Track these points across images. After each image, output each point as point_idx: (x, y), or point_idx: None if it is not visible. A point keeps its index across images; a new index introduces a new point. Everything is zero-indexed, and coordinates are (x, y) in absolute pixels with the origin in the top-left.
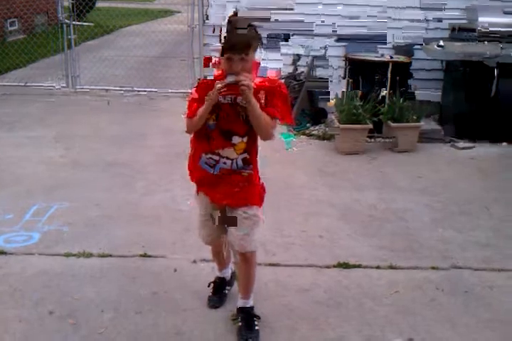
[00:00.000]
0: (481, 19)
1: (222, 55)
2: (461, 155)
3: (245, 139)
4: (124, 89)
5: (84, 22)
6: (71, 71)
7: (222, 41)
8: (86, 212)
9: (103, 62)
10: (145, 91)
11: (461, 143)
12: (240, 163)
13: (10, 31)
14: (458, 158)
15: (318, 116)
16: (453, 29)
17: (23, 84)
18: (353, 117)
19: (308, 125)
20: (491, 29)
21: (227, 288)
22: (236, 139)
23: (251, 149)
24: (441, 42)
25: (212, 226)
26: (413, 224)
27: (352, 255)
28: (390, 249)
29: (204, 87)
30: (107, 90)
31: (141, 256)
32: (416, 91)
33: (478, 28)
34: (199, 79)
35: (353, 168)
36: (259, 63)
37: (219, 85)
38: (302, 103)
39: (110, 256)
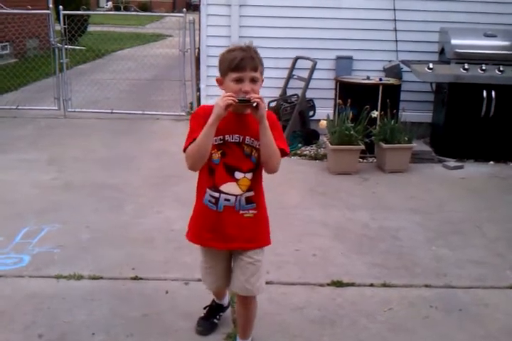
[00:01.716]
0: (453, 41)
1: (223, 75)
2: (452, 175)
3: (249, 176)
4: (115, 111)
5: (77, 46)
6: (63, 94)
7: (224, 61)
8: (77, 234)
9: (95, 86)
10: (136, 113)
11: (452, 163)
12: (242, 201)
13: (2, 55)
14: (449, 178)
15: (310, 137)
16: (441, 51)
17: (14, 107)
18: (345, 138)
19: (299, 145)
20: (467, 51)
21: (221, 314)
22: (238, 175)
23: (256, 187)
24: (431, 65)
25: (217, 274)
26: (406, 243)
27: (345, 273)
28: (383, 267)
29: (202, 114)
30: (98, 113)
31: (132, 278)
32: (403, 113)
33: (456, 50)
34: (191, 103)
35: (346, 188)
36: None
37: (228, 101)
38: (294, 124)
39: (101, 278)
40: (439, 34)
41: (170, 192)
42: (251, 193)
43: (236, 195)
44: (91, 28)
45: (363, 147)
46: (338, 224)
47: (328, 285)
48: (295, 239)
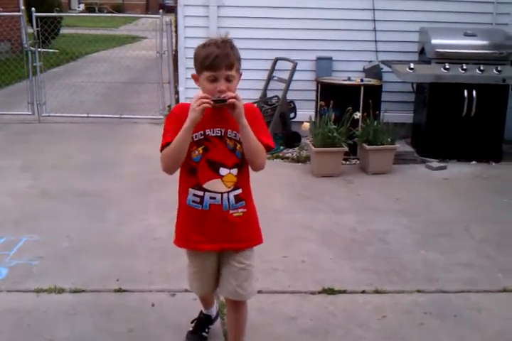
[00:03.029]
0: (434, 41)
1: (197, 72)
2: (435, 176)
3: (234, 172)
4: (91, 116)
5: (50, 49)
6: (37, 98)
7: (198, 57)
8: (56, 245)
9: (70, 89)
10: (113, 117)
11: (435, 163)
12: (232, 199)
13: None
14: (433, 179)
15: (291, 139)
16: (421, 51)
17: None
18: (327, 140)
19: (281, 148)
20: (448, 51)
21: (210, 327)
22: (223, 171)
23: (244, 184)
24: (412, 65)
25: (204, 279)
26: (395, 246)
27: (336, 280)
28: (373, 272)
29: (178, 113)
30: (73, 117)
31: (115, 291)
32: (385, 114)
33: (436, 50)
34: (169, 106)
35: (330, 191)
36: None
37: (204, 105)
38: (275, 127)
39: (83, 291)
40: (418, 34)
41: (152, 197)
42: (239, 191)
43: (222, 193)
44: (64, 31)
45: (346, 149)
46: (325, 228)
47: (320, 293)
48: (282, 245)
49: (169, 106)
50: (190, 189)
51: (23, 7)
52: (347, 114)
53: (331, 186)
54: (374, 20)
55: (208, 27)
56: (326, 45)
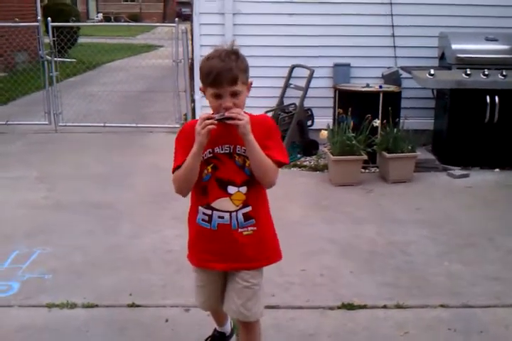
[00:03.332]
0: (454, 46)
1: (203, 86)
2: (457, 184)
3: (243, 190)
4: (107, 125)
5: (67, 58)
6: (53, 108)
7: (201, 71)
8: (70, 258)
9: (86, 99)
10: (129, 127)
11: (457, 171)
12: (240, 218)
13: None
14: (455, 187)
15: (309, 147)
16: (441, 56)
17: (3, 122)
18: (346, 148)
19: (299, 156)
20: (469, 56)
21: None
22: (231, 189)
23: (255, 201)
24: (432, 71)
25: (209, 293)
26: (417, 259)
27: (356, 294)
28: (395, 286)
29: (189, 130)
30: (90, 126)
31: (129, 306)
32: (405, 120)
33: (457, 55)
34: (185, 115)
35: (349, 201)
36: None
37: (209, 126)
38: (292, 135)
39: (96, 306)
40: (438, 39)
41: (166, 209)
42: (248, 209)
43: (230, 212)
44: (82, 40)
45: (365, 157)
46: (345, 240)
47: (339, 308)
48: (300, 258)
49: (185, 115)
50: (200, 207)
51: (40, 17)
52: (366, 122)
53: (349, 195)
54: (392, 26)
55: (223, 35)
56: (343, 51)
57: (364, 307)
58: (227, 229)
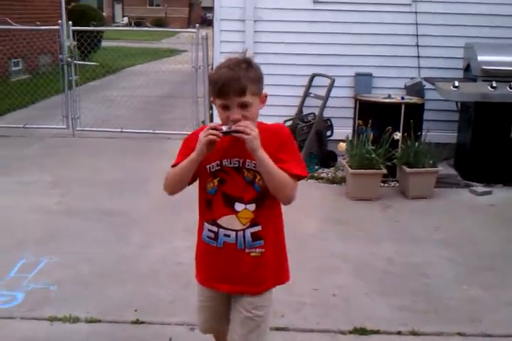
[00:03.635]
0: (480, 58)
1: (213, 98)
2: (480, 202)
3: (251, 207)
4: (125, 131)
5: (89, 62)
6: (71, 112)
7: (210, 81)
8: (77, 268)
9: (105, 103)
10: (146, 133)
11: (480, 188)
12: (248, 237)
13: (14, 71)
14: (477, 205)
15: (327, 159)
16: (467, 68)
17: (21, 125)
18: (365, 162)
19: (316, 167)
20: (495, 68)
21: None
22: (239, 206)
23: (265, 220)
24: (457, 83)
25: (210, 314)
26: (435, 281)
27: (369, 317)
28: (410, 310)
29: (194, 139)
30: (107, 132)
31: (133, 322)
32: (427, 133)
33: (483, 67)
34: (203, 122)
35: (367, 216)
36: (266, 96)
37: (210, 137)
38: (310, 145)
39: (99, 321)
40: (464, 50)
41: (179, 218)
42: (257, 228)
43: (236, 230)
44: (106, 44)
45: (384, 171)
46: (360, 258)
47: (350, 332)
48: (312, 275)
49: (203, 122)
50: (205, 223)
51: (60, 21)
52: (386, 134)
53: (367, 211)
54: (417, 35)
55: (244, 42)
56: (365, 60)
57: (377, 332)
58: (232, 249)
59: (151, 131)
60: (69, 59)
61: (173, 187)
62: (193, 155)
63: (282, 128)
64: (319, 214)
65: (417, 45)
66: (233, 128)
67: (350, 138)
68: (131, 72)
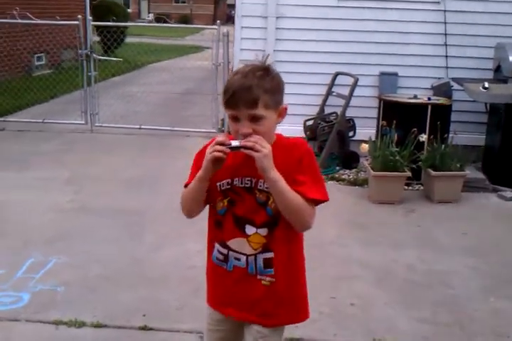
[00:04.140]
0: None
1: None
2: (508, 208)
3: (263, 232)
4: (143, 127)
5: (113, 57)
6: (90, 108)
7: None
8: (85, 269)
9: (125, 99)
10: (165, 130)
11: (508, 193)
12: (259, 263)
13: (37, 66)
14: (506, 211)
15: (349, 160)
16: (497, 68)
17: (41, 120)
18: (389, 164)
19: (337, 168)
20: None
21: None
22: (250, 229)
23: (279, 247)
24: (487, 84)
25: (218, 337)
26: (459, 292)
27: (388, 329)
28: (433, 322)
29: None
30: (126, 128)
31: (140, 328)
32: (454, 136)
33: None
34: (222, 120)
35: (389, 221)
36: (286, 109)
37: (215, 154)
38: (332, 146)
39: (105, 326)
40: (494, 49)
41: (194, 220)
42: (269, 254)
43: (247, 255)
44: (131, 39)
45: (409, 174)
46: (381, 265)
47: None
48: (331, 284)
49: (223, 120)
50: (216, 243)
51: (79, 16)
52: (411, 136)
53: (389, 215)
54: (445, 34)
55: (265, 39)
56: (390, 59)
57: None
58: (243, 273)
59: (169, 128)
60: (89, 54)
61: (189, 208)
62: (200, 173)
63: (302, 145)
64: (340, 218)
65: (446, 45)
66: (242, 143)
67: (373, 138)
68: (153, 68)
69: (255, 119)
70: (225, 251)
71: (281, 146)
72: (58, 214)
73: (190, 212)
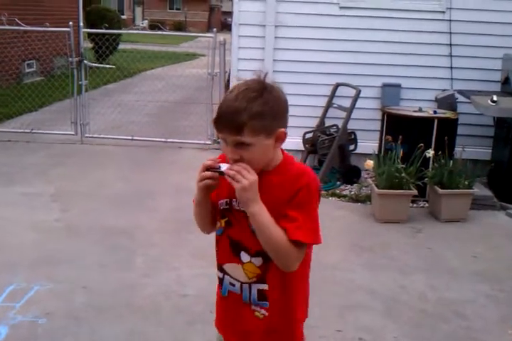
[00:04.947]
0: None
1: None
2: None
3: (257, 261)
4: (135, 138)
5: (105, 64)
6: (80, 118)
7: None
8: (71, 298)
9: (117, 108)
10: (159, 141)
11: None
12: (254, 293)
13: (27, 73)
14: None
15: (350, 174)
16: (505, 81)
17: (28, 130)
18: (394, 181)
19: (338, 183)
20: None
21: None
22: (244, 256)
23: (275, 281)
24: (495, 98)
25: None
26: (475, 324)
27: None
28: None
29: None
30: (117, 139)
31: None
32: (462, 151)
33: None
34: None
35: (395, 242)
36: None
37: (206, 181)
38: (332, 160)
39: None
40: (502, 61)
41: (187, 241)
42: (263, 286)
43: (241, 282)
44: (125, 46)
45: (415, 192)
46: (389, 292)
47: None
48: (336, 313)
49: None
50: (217, 262)
51: (70, 22)
52: (418, 152)
53: (396, 236)
54: (450, 45)
55: (263, 48)
56: (393, 70)
57: None
58: (237, 300)
59: (163, 140)
60: (80, 61)
61: (201, 226)
62: (196, 196)
63: (304, 175)
64: (343, 240)
65: (451, 55)
66: (225, 171)
67: (375, 152)
68: (147, 76)
69: (241, 146)
70: (220, 274)
71: (283, 174)
72: (43, 235)
73: (203, 228)
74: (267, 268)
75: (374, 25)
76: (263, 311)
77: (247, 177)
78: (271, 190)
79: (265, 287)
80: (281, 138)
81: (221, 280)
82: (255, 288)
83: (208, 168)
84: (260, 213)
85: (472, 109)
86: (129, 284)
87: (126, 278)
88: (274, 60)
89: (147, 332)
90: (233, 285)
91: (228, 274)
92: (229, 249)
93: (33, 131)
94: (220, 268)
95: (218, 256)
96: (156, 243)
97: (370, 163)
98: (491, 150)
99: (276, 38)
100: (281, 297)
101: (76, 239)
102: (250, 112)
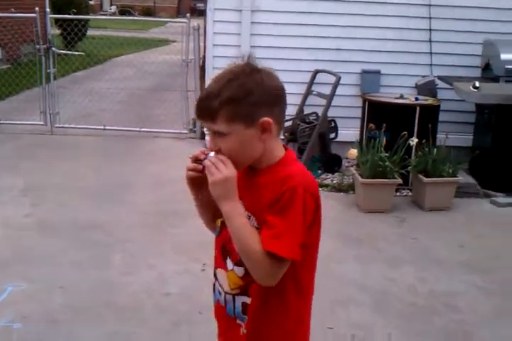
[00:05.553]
0: (503, 56)
1: None
2: (503, 214)
3: (238, 271)
4: (108, 128)
5: (74, 51)
6: (50, 107)
7: None
8: (47, 299)
9: (88, 96)
10: (132, 130)
11: (501, 199)
12: (238, 306)
13: None
14: (502, 218)
15: (331, 163)
16: (485, 66)
17: None
18: (378, 170)
19: (319, 172)
20: None
21: None
22: (229, 264)
23: (258, 295)
24: (477, 84)
25: None
26: (468, 317)
27: None
28: None
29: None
30: (89, 129)
31: None
32: (443, 137)
33: (506, 67)
34: (194, 118)
35: (381, 233)
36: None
37: (189, 173)
38: (313, 148)
39: None
40: (483, 46)
41: (168, 236)
42: (245, 299)
43: (225, 292)
44: (93, 32)
45: (400, 181)
46: (379, 286)
47: None
48: (326, 310)
49: (194, 120)
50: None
51: (37, 8)
52: (401, 140)
53: (381, 226)
54: (430, 30)
55: (239, 34)
56: (373, 56)
57: None
58: (221, 311)
59: (137, 129)
60: (47, 48)
61: (205, 224)
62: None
63: (294, 177)
64: (329, 230)
65: (430, 41)
66: (204, 162)
67: (357, 141)
68: (118, 63)
69: (218, 135)
70: (213, 279)
71: (273, 174)
72: (14, 232)
73: (206, 226)
74: (250, 280)
75: (352, 10)
76: (244, 326)
77: (221, 171)
78: (257, 191)
79: (247, 300)
80: (268, 128)
81: (214, 286)
82: (239, 300)
83: (195, 160)
84: (231, 214)
85: (453, 95)
86: (107, 283)
87: (105, 276)
88: (252, 46)
89: (129, 333)
90: (220, 293)
91: (217, 280)
92: (220, 252)
93: (0, 121)
94: (214, 273)
95: (214, 260)
96: (134, 238)
97: (353, 152)
98: (471, 137)
99: (252, 23)
100: (264, 316)
101: (49, 236)
102: (222, 97)
